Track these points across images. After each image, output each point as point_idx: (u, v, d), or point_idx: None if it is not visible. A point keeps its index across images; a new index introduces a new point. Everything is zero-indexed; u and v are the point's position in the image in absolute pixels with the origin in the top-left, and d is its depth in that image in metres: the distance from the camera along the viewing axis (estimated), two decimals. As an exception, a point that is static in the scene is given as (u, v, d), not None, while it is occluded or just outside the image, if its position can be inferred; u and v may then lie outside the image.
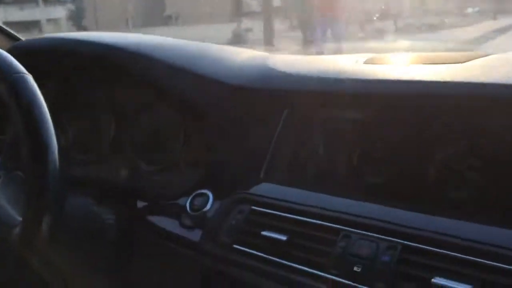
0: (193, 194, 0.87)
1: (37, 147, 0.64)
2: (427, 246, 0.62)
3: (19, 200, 0.76)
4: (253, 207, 0.78)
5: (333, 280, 0.65)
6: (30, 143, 0.64)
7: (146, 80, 0.98)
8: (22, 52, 0.77)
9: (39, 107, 0.66)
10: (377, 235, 0.66)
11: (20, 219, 0.70)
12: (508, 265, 0.56)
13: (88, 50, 0.99)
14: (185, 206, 0.86)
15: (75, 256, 0.84)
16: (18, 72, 0.68)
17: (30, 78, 0.68)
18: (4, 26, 1.22)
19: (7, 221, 0.72)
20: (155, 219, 0.92)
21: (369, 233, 0.67)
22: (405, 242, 0.64)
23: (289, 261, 0.70)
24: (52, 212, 0.64)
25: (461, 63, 0.78)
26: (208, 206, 0.84)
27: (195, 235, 0.82)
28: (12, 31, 1.26)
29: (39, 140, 0.64)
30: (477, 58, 0.80)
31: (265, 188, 0.82)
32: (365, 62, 0.89)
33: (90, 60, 1.01)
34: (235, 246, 0.76)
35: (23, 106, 0.66)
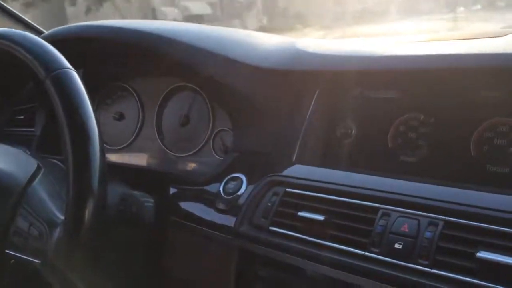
0: (226, 178, 0.88)
1: (81, 144, 0.65)
2: (469, 221, 0.61)
3: (59, 193, 0.76)
4: (288, 189, 0.78)
5: (374, 258, 0.65)
6: (73, 138, 0.65)
7: (177, 65, 0.98)
8: (54, 41, 0.77)
9: (84, 103, 0.67)
10: (417, 212, 0.65)
11: (60, 217, 0.71)
12: None
13: (118, 37, 1.00)
14: (219, 191, 0.86)
15: (112, 242, 0.85)
16: (63, 67, 0.69)
17: (74, 73, 0.69)
18: (29, 20, 1.24)
19: (47, 218, 0.72)
20: (189, 205, 0.92)
21: (409, 210, 0.66)
22: (447, 218, 0.63)
23: (327, 241, 0.70)
24: (97, 203, 0.65)
25: (499, 36, 0.76)
26: (242, 190, 0.84)
27: (230, 219, 0.82)
28: (36, 25, 1.28)
29: (83, 136, 0.65)
30: None
31: (298, 170, 0.82)
32: (396, 41, 0.87)
33: (120, 46, 1.02)
34: (271, 228, 0.76)
35: (67, 102, 0.66)
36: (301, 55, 0.91)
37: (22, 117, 1.26)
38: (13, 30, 0.76)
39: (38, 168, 0.81)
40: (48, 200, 0.75)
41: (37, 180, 0.78)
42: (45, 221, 0.72)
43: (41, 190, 0.77)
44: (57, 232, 0.69)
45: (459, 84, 0.73)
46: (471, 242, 0.60)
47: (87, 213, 0.64)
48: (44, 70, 0.69)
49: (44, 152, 1.13)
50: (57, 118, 0.66)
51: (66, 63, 0.71)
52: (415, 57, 0.76)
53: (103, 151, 0.67)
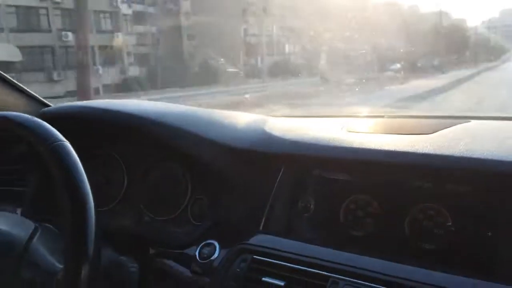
0: (201, 244, 1.00)
1: (77, 207, 0.75)
2: None
3: (56, 249, 0.86)
4: (254, 256, 0.91)
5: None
6: (70, 203, 0.75)
7: (159, 143, 1.12)
8: (50, 118, 0.89)
9: (78, 171, 0.78)
10: (361, 282, 0.79)
11: (60, 266, 0.81)
12: None
13: (106, 118, 1.14)
14: (195, 255, 0.99)
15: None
16: (58, 140, 0.80)
17: (68, 145, 0.80)
18: (33, 92, 1.36)
19: (48, 268, 0.82)
20: (167, 267, 1.04)
21: (354, 280, 0.80)
22: None
23: None
24: (92, 262, 0.75)
25: (429, 134, 0.93)
26: (215, 255, 0.97)
27: (204, 282, 0.95)
28: (40, 97, 1.40)
29: (79, 201, 0.76)
30: (443, 129, 0.96)
31: (264, 239, 0.95)
32: (348, 130, 1.04)
33: (111, 126, 1.15)
34: None
35: (64, 171, 0.77)
36: (269, 138, 1.07)
37: (12, 177, 1.36)
38: (10, 112, 0.88)
39: (36, 228, 0.92)
40: (48, 254, 0.85)
41: (35, 238, 0.89)
42: (47, 271, 0.81)
43: (40, 246, 0.87)
44: (58, 276, 0.79)
45: (395, 173, 0.89)
46: None
47: (83, 275, 0.75)
48: (41, 143, 0.80)
49: (37, 211, 1.23)
50: (55, 185, 0.77)
51: (61, 136, 0.82)
52: (362, 150, 0.93)
53: (96, 218, 0.77)
